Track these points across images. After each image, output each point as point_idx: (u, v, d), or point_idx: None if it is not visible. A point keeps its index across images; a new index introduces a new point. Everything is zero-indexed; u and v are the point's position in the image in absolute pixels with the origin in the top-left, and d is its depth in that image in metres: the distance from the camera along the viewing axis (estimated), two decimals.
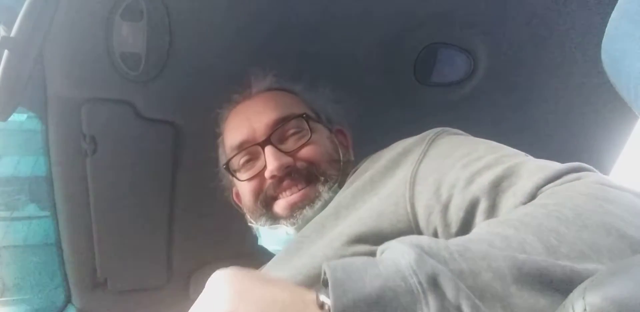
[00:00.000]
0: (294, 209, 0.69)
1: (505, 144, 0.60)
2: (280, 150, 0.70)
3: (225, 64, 0.91)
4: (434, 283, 0.30)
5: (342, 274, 0.31)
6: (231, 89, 0.95)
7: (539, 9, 0.90)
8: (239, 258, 1.11)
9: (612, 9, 0.44)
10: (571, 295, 0.26)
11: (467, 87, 1.02)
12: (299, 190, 0.70)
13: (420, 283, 0.30)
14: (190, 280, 1.11)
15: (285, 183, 0.70)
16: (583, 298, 0.24)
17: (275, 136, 0.72)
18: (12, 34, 0.71)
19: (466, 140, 0.62)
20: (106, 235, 0.98)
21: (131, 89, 0.87)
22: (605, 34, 0.45)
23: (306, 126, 0.72)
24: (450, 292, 0.29)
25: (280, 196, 0.71)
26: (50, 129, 0.88)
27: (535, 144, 1.07)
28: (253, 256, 0.87)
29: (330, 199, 0.67)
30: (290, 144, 0.72)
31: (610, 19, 0.44)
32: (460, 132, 0.66)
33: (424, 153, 0.60)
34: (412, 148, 0.63)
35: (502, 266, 0.31)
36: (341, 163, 0.72)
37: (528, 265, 0.31)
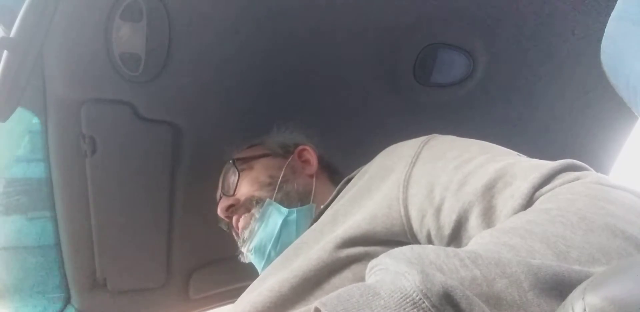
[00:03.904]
0: (240, 234, 0.84)
1: (504, 144, 0.60)
2: (226, 195, 0.86)
3: (225, 65, 0.91)
4: (449, 302, 0.28)
5: None
6: (230, 90, 0.95)
7: (539, 9, 0.90)
8: (239, 258, 1.11)
9: (612, 9, 0.44)
10: (571, 295, 0.26)
11: (466, 87, 1.02)
12: (239, 220, 0.84)
13: (434, 306, 0.27)
14: (190, 280, 1.11)
15: (234, 220, 0.85)
16: (583, 298, 0.24)
17: (224, 187, 0.88)
18: (12, 34, 0.71)
19: (458, 142, 0.62)
20: (105, 235, 0.98)
21: (130, 90, 0.87)
22: (604, 34, 0.45)
23: (235, 169, 0.86)
24: (465, 308, 0.28)
25: (237, 231, 0.86)
26: (50, 130, 0.88)
27: (534, 145, 1.07)
28: None
29: (264, 213, 0.80)
30: (231, 187, 0.86)
31: (609, 19, 0.44)
32: (453, 136, 0.66)
33: (417, 156, 0.60)
34: (405, 152, 0.63)
35: (517, 271, 0.30)
36: (279, 181, 0.83)
37: (543, 270, 0.30)
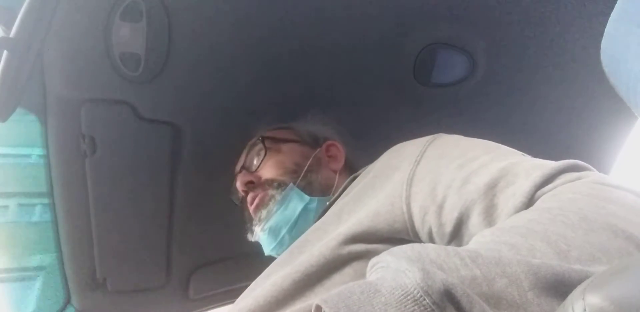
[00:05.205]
0: (255, 212, 0.83)
1: (505, 144, 0.60)
2: (247, 171, 0.87)
3: (225, 65, 0.91)
4: (449, 299, 0.28)
5: (346, 311, 0.28)
6: (230, 90, 0.95)
7: (539, 9, 0.90)
8: (239, 258, 1.11)
9: (612, 9, 0.44)
10: (571, 295, 0.26)
11: (466, 87, 1.02)
12: (255, 198, 0.83)
13: (435, 303, 0.27)
14: (190, 280, 1.11)
15: (249, 196, 0.85)
16: (583, 298, 0.24)
17: (247, 162, 0.89)
18: (12, 34, 0.71)
19: (463, 141, 0.63)
20: (105, 235, 0.98)
21: (130, 90, 0.87)
22: (604, 34, 0.45)
23: (262, 147, 0.86)
24: (466, 306, 0.28)
25: (250, 208, 0.85)
26: (50, 130, 0.88)
27: (534, 144, 1.07)
28: (253, 256, 0.87)
29: (285, 196, 0.80)
30: (255, 163, 0.87)
31: (609, 20, 0.44)
32: (458, 135, 0.66)
33: (422, 155, 0.60)
34: (410, 151, 0.63)
35: (517, 271, 0.30)
36: (304, 169, 0.84)
37: (543, 270, 0.30)
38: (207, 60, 0.89)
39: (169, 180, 0.99)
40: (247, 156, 0.89)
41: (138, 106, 0.90)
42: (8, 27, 0.72)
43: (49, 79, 0.83)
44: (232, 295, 1.15)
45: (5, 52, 0.71)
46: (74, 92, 0.85)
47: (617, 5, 0.44)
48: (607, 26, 0.45)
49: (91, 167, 0.91)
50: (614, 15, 0.44)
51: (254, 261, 0.86)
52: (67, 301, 1.02)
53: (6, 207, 0.97)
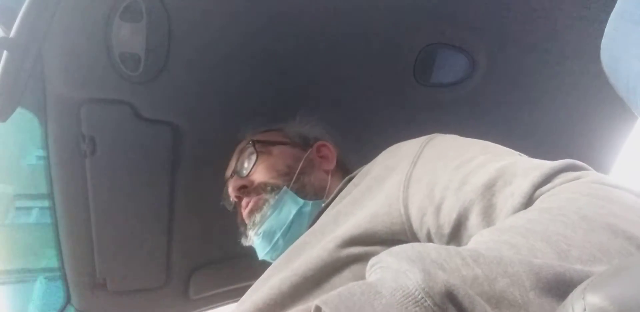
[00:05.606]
0: (249, 217, 0.83)
1: (504, 144, 0.60)
2: (239, 176, 0.86)
3: (225, 64, 0.91)
4: (451, 300, 0.28)
5: None
6: (230, 90, 0.95)
7: (539, 9, 0.90)
8: (239, 258, 1.12)
9: (611, 9, 0.44)
10: (571, 295, 0.26)
11: (466, 87, 1.02)
12: (248, 203, 0.83)
13: (436, 304, 0.27)
14: (190, 280, 1.11)
15: (243, 202, 0.84)
16: (583, 298, 0.24)
17: (237, 167, 0.88)
18: (12, 34, 0.71)
19: (460, 141, 0.62)
20: (105, 236, 0.98)
21: (130, 90, 0.87)
22: (604, 34, 0.45)
23: (254, 150, 0.86)
24: (467, 307, 0.27)
25: (243, 212, 0.84)
26: (50, 130, 0.88)
27: (535, 144, 1.07)
28: (253, 256, 0.87)
29: (279, 200, 0.79)
30: (247, 167, 0.86)
31: (609, 19, 0.44)
32: (454, 135, 0.66)
33: (419, 156, 0.60)
34: (407, 152, 0.63)
35: (519, 271, 0.30)
36: (297, 172, 0.83)
37: (545, 270, 0.30)
38: (207, 61, 0.89)
39: (169, 180, 1.00)
40: (237, 160, 0.89)
41: (138, 106, 0.90)
42: (8, 27, 0.72)
43: (49, 78, 0.83)
44: (232, 295, 1.16)
45: (5, 52, 0.71)
46: (74, 92, 0.85)
47: (617, 5, 0.44)
48: (607, 26, 0.45)
49: (91, 167, 0.91)
50: (614, 15, 0.44)
51: (254, 261, 0.86)
52: (67, 301, 1.02)
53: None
